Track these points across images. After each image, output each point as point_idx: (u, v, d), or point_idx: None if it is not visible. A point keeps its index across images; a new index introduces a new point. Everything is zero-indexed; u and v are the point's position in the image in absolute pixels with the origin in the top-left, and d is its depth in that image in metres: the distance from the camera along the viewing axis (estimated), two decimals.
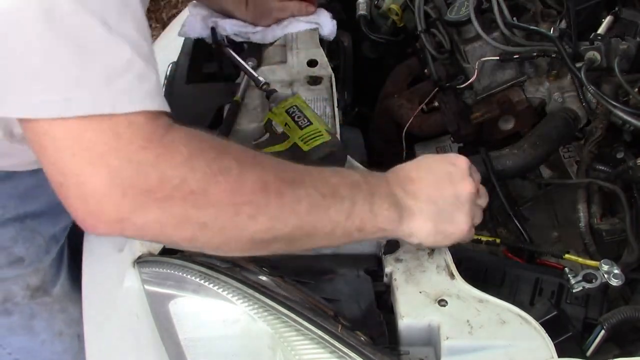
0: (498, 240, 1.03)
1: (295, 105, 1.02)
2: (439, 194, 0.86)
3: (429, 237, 0.86)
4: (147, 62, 0.71)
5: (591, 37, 1.12)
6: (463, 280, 0.86)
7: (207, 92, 1.25)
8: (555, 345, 0.78)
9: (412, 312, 0.82)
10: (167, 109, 0.74)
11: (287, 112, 1.02)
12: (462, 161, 0.89)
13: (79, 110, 0.67)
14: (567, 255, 0.98)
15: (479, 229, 0.97)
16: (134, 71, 0.70)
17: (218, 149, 0.76)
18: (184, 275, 0.89)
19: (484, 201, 0.91)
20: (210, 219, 0.74)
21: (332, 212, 0.80)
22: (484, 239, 1.02)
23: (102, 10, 0.68)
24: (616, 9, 1.13)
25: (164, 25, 2.99)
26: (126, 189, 0.70)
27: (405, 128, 1.36)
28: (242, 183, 0.75)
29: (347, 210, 0.81)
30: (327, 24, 1.33)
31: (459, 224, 0.87)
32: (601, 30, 1.13)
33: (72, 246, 1.16)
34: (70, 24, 0.66)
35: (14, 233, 1.05)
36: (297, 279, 0.86)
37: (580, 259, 0.96)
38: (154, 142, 0.70)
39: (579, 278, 0.89)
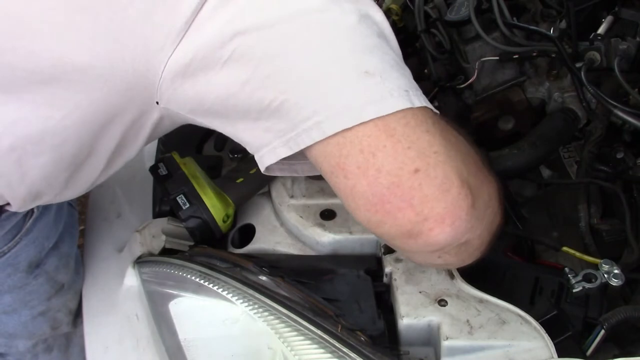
0: None
1: None
2: None
3: None
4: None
5: (591, 37, 1.12)
6: (463, 280, 0.86)
7: None
8: (555, 344, 0.78)
9: (412, 312, 0.82)
10: None
11: None
12: None
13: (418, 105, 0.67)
14: (564, 248, 0.98)
15: None
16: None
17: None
18: (184, 275, 0.89)
19: None
20: (488, 195, 0.74)
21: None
22: None
23: None
24: (616, 9, 1.13)
25: None
26: (468, 165, 0.69)
27: None
28: (477, 158, 0.76)
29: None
30: None
31: None
32: (601, 30, 1.13)
33: None
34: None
35: (56, 262, 1.04)
36: (297, 279, 0.86)
37: (577, 253, 0.97)
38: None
39: (579, 278, 0.89)
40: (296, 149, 0.67)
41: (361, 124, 0.64)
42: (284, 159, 0.70)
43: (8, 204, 0.87)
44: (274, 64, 0.66)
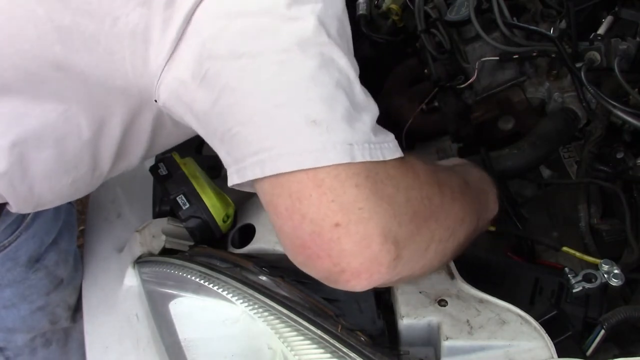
0: (493, 228, 1.03)
1: None
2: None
3: (495, 212, 0.99)
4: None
5: (591, 37, 1.12)
6: (463, 280, 0.86)
7: None
8: (555, 344, 0.78)
9: (412, 312, 0.82)
10: None
11: None
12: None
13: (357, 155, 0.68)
14: (564, 248, 0.98)
15: None
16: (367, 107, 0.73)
17: (428, 164, 0.79)
18: (184, 275, 0.89)
19: None
20: (446, 232, 0.76)
21: (481, 202, 0.90)
22: None
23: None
24: (616, 9, 1.13)
25: None
26: (401, 218, 0.69)
27: (406, 128, 1.36)
28: (453, 190, 0.79)
29: (485, 200, 0.92)
30: None
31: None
32: (601, 30, 1.13)
33: None
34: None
35: (55, 257, 1.05)
36: (297, 279, 0.86)
37: (577, 253, 0.97)
38: (403, 165, 0.72)
39: (579, 278, 0.89)
40: (244, 179, 0.70)
41: (295, 171, 0.66)
42: None
43: (8, 203, 0.87)
44: (234, 95, 0.69)
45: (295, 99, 0.67)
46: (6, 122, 0.78)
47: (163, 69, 0.72)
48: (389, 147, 0.71)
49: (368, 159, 0.67)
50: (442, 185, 0.76)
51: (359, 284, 0.69)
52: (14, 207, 0.87)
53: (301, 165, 0.66)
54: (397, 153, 0.71)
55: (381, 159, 0.69)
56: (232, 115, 0.69)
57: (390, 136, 0.72)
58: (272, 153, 0.67)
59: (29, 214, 0.96)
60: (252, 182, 0.70)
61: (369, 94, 0.74)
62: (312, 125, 0.66)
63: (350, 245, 0.66)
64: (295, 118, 0.66)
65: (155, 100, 0.76)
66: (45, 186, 0.85)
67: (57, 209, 1.03)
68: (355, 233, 0.66)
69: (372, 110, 0.72)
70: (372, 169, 0.68)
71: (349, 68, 0.70)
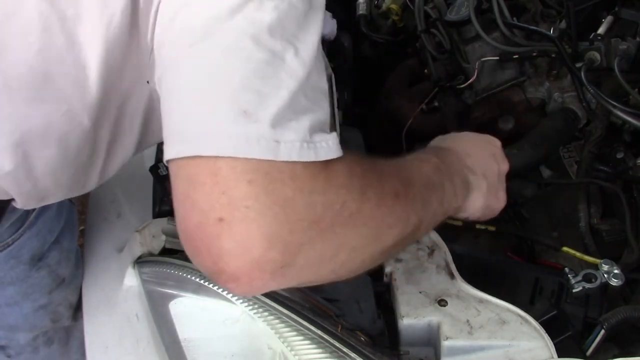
0: (493, 228, 1.02)
1: None
2: (489, 170, 0.94)
3: (477, 212, 0.91)
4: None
5: (591, 37, 1.12)
6: (463, 280, 0.86)
7: None
8: (555, 344, 0.78)
9: (412, 312, 0.82)
10: None
11: None
12: (499, 143, 0.99)
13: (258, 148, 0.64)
14: (564, 248, 0.98)
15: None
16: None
17: (361, 164, 0.73)
18: (184, 275, 0.89)
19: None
20: (361, 239, 0.71)
21: (434, 202, 0.81)
22: (480, 227, 1.02)
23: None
24: (616, 9, 1.13)
25: None
26: (294, 224, 0.64)
27: (406, 128, 1.36)
28: (383, 195, 0.73)
29: (440, 196, 0.83)
30: (327, 23, 1.33)
31: (501, 200, 0.96)
32: (601, 30, 1.13)
33: None
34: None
35: (58, 255, 1.05)
36: None
37: (577, 253, 0.97)
38: (321, 167, 0.67)
39: (579, 278, 0.89)
40: (165, 158, 0.67)
41: (196, 156, 0.63)
42: None
43: (14, 199, 0.88)
44: (176, 73, 0.68)
45: (232, 87, 0.65)
46: (10, 122, 0.78)
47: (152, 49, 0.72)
48: (325, 147, 0.67)
49: (295, 158, 0.64)
50: (366, 190, 0.70)
51: (239, 287, 0.65)
52: (19, 203, 0.88)
53: (200, 151, 0.63)
54: (332, 153, 0.67)
55: (313, 158, 0.65)
56: (168, 93, 0.68)
57: (331, 135, 0.69)
58: (183, 136, 0.65)
59: (32, 213, 0.96)
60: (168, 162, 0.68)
61: (322, 97, 0.71)
62: (241, 115, 0.63)
63: (230, 245, 0.62)
64: (226, 105, 0.64)
65: (148, 82, 0.76)
66: (49, 181, 0.85)
67: (59, 208, 1.03)
68: (237, 233, 0.62)
69: (317, 113, 0.68)
70: (274, 167, 0.64)
71: (299, 74, 0.67)
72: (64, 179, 0.87)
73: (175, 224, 0.69)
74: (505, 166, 0.98)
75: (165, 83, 0.69)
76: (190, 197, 0.64)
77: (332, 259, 0.69)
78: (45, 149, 0.81)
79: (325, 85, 0.72)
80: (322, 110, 0.70)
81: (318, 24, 0.72)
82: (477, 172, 0.91)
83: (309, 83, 0.68)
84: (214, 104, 0.65)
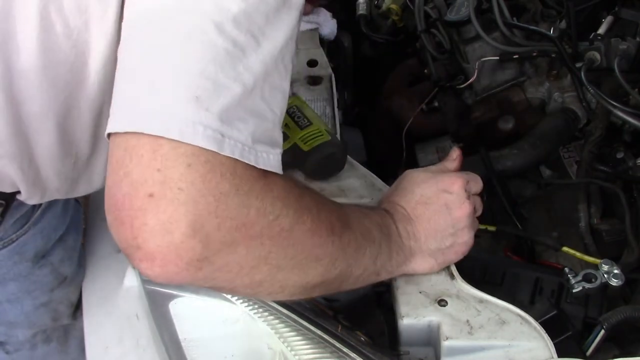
0: (493, 228, 1.02)
1: (295, 106, 1.02)
2: (437, 230, 0.86)
3: (433, 269, 0.87)
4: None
5: (591, 37, 1.12)
6: (463, 280, 0.86)
7: None
8: (555, 344, 0.78)
9: (412, 312, 0.82)
10: None
11: (287, 112, 1.02)
12: (457, 186, 0.87)
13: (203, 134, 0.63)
14: (564, 248, 0.98)
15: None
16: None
17: (299, 187, 0.73)
18: None
19: (479, 208, 0.92)
20: (286, 260, 0.70)
21: (367, 255, 0.79)
22: (480, 227, 1.02)
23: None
24: (616, 9, 1.13)
25: None
26: (224, 221, 0.63)
27: (405, 128, 1.36)
28: (319, 224, 0.72)
29: (375, 253, 0.80)
30: (327, 23, 1.33)
31: (461, 246, 0.88)
32: (601, 30, 1.13)
33: None
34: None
35: (62, 254, 1.05)
36: None
37: (577, 253, 0.96)
38: (260, 173, 0.67)
39: (579, 278, 0.89)
40: (107, 131, 0.67)
41: (140, 132, 0.63)
42: None
43: (19, 192, 0.88)
44: (128, 48, 0.68)
45: (188, 70, 0.64)
46: (14, 107, 0.78)
47: None
48: (266, 158, 0.66)
49: (237, 156, 0.64)
50: (303, 213, 0.70)
51: (151, 269, 0.63)
52: (24, 194, 0.88)
53: (165, 133, 0.62)
54: (271, 166, 0.67)
55: (253, 163, 0.65)
56: (124, 65, 0.68)
57: (276, 150, 0.68)
58: (139, 111, 0.64)
59: (38, 210, 0.96)
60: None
61: (281, 99, 0.70)
62: (193, 101, 0.63)
63: (153, 222, 0.61)
64: (179, 87, 0.64)
65: None
66: (50, 169, 0.85)
67: (65, 206, 1.03)
68: (163, 212, 0.61)
69: (265, 122, 0.68)
70: (216, 158, 0.63)
71: (258, 70, 0.67)
72: (66, 170, 0.87)
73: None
74: (464, 210, 0.87)
75: (122, 56, 0.68)
76: (124, 167, 0.63)
77: (252, 272, 0.68)
78: (45, 135, 0.81)
79: (287, 88, 0.71)
80: (273, 119, 0.69)
81: (290, 23, 0.71)
82: (421, 239, 0.86)
83: (268, 82, 0.67)
84: (167, 84, 0.64)
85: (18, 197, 0.90)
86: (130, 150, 0.63)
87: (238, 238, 0.64)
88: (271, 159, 0.67)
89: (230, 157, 0.63)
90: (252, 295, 0.76)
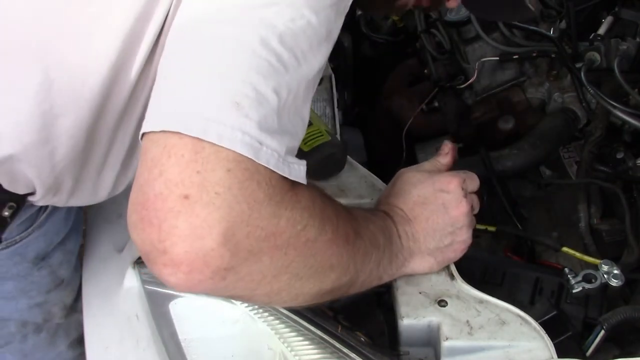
0: (493, 228, 1.02)
1: None
2: (435, 230, 0.86)
3: (433, 269, 0.87)
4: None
5: (591, 37, 1.12)
6: (463, 281, 0.86)
7: None
8: (555, 345, 0.78)
9: (412, 312, 0.82)
10: None
11: None
12: (454, 185, 0.87)
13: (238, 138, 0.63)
14: (564, 248, 0.98)
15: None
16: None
17: (322, 197, 0.73)
18: None
19: (477, 206, 0.92)
20: (306, 269, 0.69)
21: (373, 260, 0.79)
22: (480, 227, 1.02)
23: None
24: (616, 9, 1.13)
25: None
26: (254, 229, 0.62)
27: (406, 128, 1.36)
28: (337, 234, 0.72)
29: (379, 258, 0.80)
30: None
31: (460, 244, 0.88)
32: (601, 30, 1.13)
33: None
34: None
35: (61, 257, 1.06)
36: None
37: (577, 254, 0.96)
38: (290, 184, 0.67)
39: (579, 278, 0.89)
40: (143, 130, 0.66)
41: (180, 132, 0.62)
42: None
43: (31, 193, 0.89)
44: (172, 54, 0.69)
45: (232, 76, 0.64)
46: (34, 90, 0.78)
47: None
48: (297, 170, 0.67)
49: (272, 166, 0.63)
50: (325, 223, 0.70)
51: (174, 275, 0.61)
52: (38, 194, 0.88)
53: (204, 135, 0.61)
54: (301, 178, 0.67)
55: (287, 174, 0.65)
56: (166, 71, 0.68)
57: (302, 162, 0.68)
58: (179, 112, 0.64)
59: (43, 213, 0.97)
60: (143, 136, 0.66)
61: (300, 124, 0.70)
62: (233, 106, 0.62)
63: (184, 226, 0.59)
64: (221, 92, 0.63)
65: None
66: (66, 159, 0.85)
67: (68, 211, 1.04)
68: (197, 215, 0.59)
69: (294, 139, 0.68)
70: (254, 166, 0.62)
71: (294, 88, 0.67)
72: (80, 173, 0.88)
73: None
74: (462, 209, 0.86)
75: (167, 59, 0.69)
76: (160, 165, 0.61)
77: (272, 281, 0.67)
78: (65, 119, 0.81)
79: (307, 115, 0.71)
80: (298, 137, 0.70)
81: (326, 54, 0.72)
82: (419, 239, 0.86)
83: (295, 104, 0.68)
84: (209, 88, 0.64)
85: (30, 198, 0.90)
86: (170, 149, 0.61)
87: (265, 247, 0.64)
88: (301, 171, 0.68)
89: (265, 167, 0.63)
90: (267, 304, 0.76)
